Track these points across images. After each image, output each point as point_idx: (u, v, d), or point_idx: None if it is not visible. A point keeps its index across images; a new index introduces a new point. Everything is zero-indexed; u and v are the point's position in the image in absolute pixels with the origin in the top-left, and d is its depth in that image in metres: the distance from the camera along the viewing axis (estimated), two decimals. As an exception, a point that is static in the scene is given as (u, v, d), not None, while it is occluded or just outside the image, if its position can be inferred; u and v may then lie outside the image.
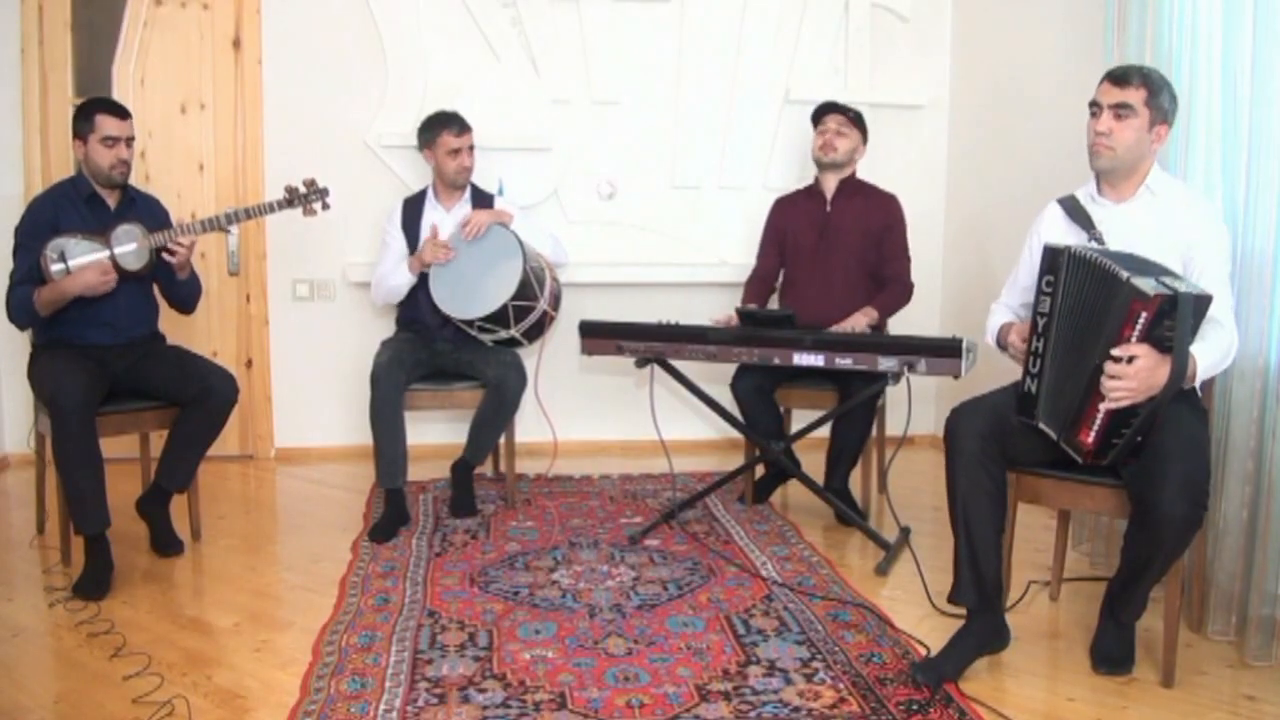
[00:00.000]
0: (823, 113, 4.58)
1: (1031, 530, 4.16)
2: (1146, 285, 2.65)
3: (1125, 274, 2.69)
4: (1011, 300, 3.39)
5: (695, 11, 5.41)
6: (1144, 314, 2.67)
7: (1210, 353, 2.84)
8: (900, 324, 4.70)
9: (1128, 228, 3.06)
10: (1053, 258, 2.89)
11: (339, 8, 5.21)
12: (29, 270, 3.78)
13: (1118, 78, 3.04)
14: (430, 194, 4.73)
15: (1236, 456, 3.18)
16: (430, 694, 2.87)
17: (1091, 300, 2.80)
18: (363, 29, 5.22)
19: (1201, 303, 2.73)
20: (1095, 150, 3.08)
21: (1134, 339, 2.70)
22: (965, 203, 5.54)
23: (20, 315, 3.82)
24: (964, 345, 3.68)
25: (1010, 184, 4.98)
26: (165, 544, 4.03)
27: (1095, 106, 3.08)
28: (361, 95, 5.26)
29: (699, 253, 5.53)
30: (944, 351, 3.74)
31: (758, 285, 4.75)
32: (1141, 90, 3.00)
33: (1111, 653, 3.11)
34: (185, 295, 4.17)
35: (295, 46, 5.21)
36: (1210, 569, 3.28)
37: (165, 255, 3.93)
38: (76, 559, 3.79)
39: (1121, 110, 3.02)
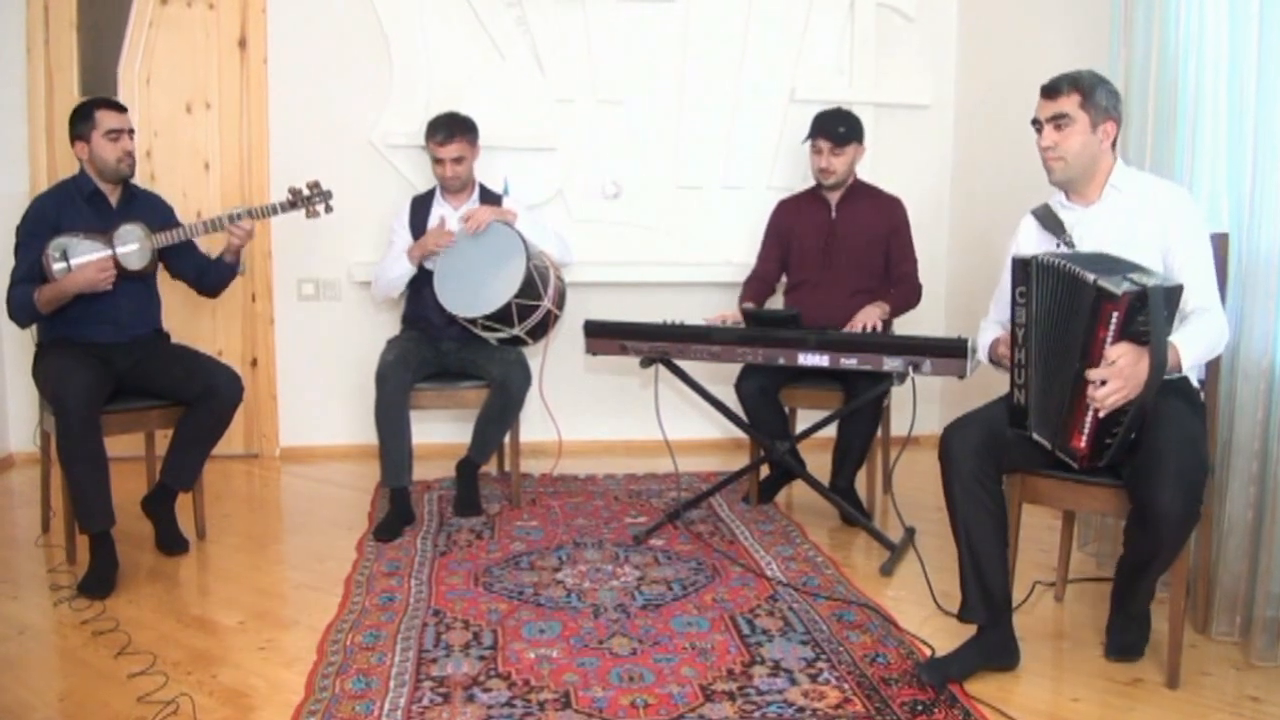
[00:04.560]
0: (813, 132, 4.50)
1: (1036, 530, 4.16)
2: (1114, 285, 2.66)
3: (1092, 276, 2.70)
4: (999, 316, 3.38)
5: (700, 11, 5.41)
6: (1116, 314, 2.68)
7: (1196, 339, 2.85)
8: (905, 324, 4.69)
9: (1100, 229, 3.07)
10: (1021, 268, 2.90)
11: (344, 7, 5.22)
12: (30, 269, 3.79)
13: (1048, 90, 3.08)
14: (438, 192, 4.73)
15: (1241, 457, 3.18)
16: (435, 693, 2.88)
17: (1064, 306, 2.81)
18: (368, 28, 5.23)
19: (1173, 294, 2.75)
20: (1047, 165, 3.12)
21: (1110, 339, 2.71)
22: (970, 203, 5.54)
23: (21, 313, 3.83)
24: (969, 345, 3.69)
25: (1015, 184, 4.96)
26: (170, 543, 4.04)
27: (1036, 124, 3.12)
28: (366, 95, 5.26)
29: (704, 252, 5.53)
30: (949, 352, 3.74)
31: (756, 286, 4.73)
32: (1074, 96, 3.03)
33: (1122, 639, 3.13)
34: (227, 278, 4.24)
35: (300, 46, 5.22)
36: (1215, 570, 3.27)
37: (231, 239, 4.04)
38: (81, 557, 3.79)
39: (1060, 121, 3.04)
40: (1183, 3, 3.39)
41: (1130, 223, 3.02)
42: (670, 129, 5.50)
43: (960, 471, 3.00)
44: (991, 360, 3.31)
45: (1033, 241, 3.23)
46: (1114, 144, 3.10)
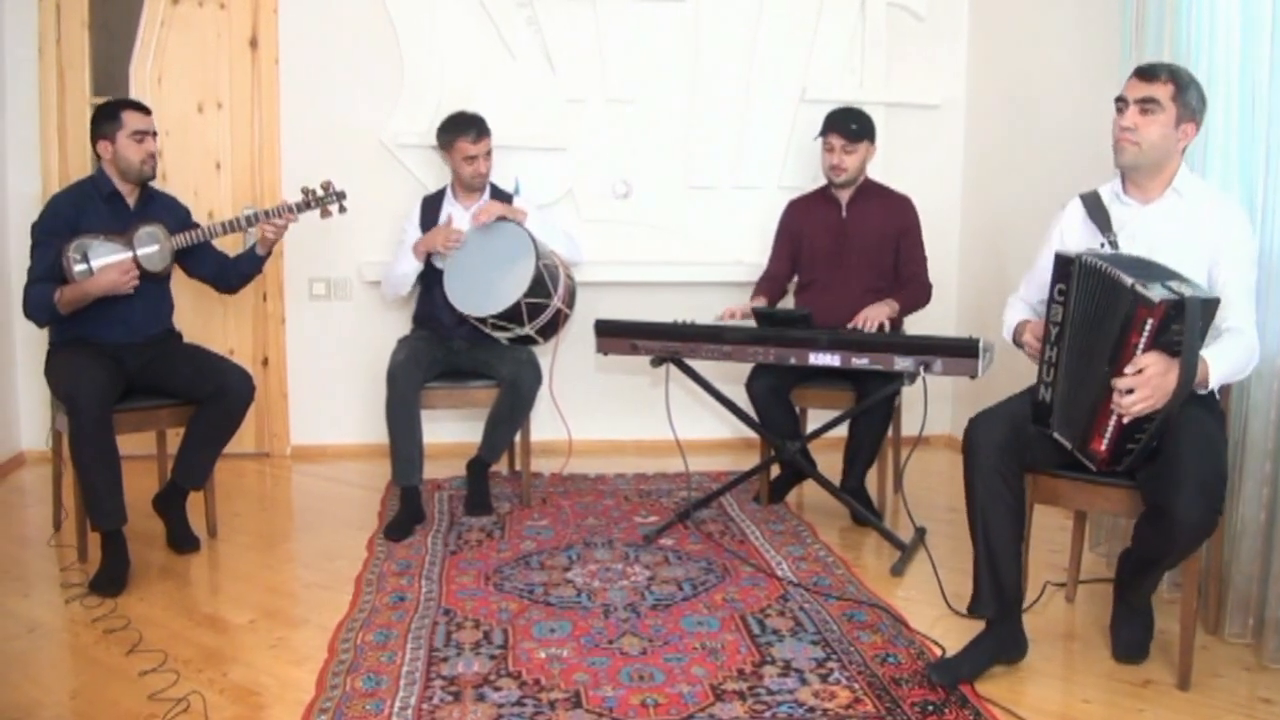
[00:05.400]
0: (826, 129, 4.50)
1: (1048, 531, 4.15)
2: (1152, 291, 2.63)
3: (1129, 280, 2.67)
4: (1029, 296, 3.36)
5: (711, 11, 5.41)
6: (1150, 320, 2.65)
7: (1226, 357, 2.81)
8: (917, 324, 4.69)
9: (1152, 230, 3.02)
10: (1064, 266, 2.87)
11: (355, 7, 5.22)
12: (48, 268, 3.79)
13: (1145, 72, 3.01)
14: (449, 192, 4.75)
15: (1254, 458, 3.17)
16: (445, 692, 2.88)
17: (1099, 309, 2.79)
18: (379, 28, 5.24)
19: (1209, 306, 2.72)
20: (1119, 145, 3.03)
21: (1142, 346, 2.68)
22: (981, 202, 5.52)
23: (39, 312, 3.83)
24: (980, 345, 3.68)
25: (1027, 183, 4.96)
26: (181, 541, 4.05)
27: (1121, 101, 3.03)
28: (377, 94, 5.27)
29: (714, 252, 5.52)
30: (960, 351, 3.73)
31: (768, 286, 4.72)
32: (1169, 85, 2.95)
33: (1128, 635, 3.13)
34: (253, 272, 4.27)
35: (312, 46, 5.23)
36: (1227, 571, 3.26)
37: (266, 232, 4.06)
38: (93, 555, 3.80)
39: (1147, 105, 2.97)
40: (1195, 1, 3.37)
41: (1185, 230, 2.98)
42: (681, 129, 5.49)
43: (983, 465, 2.98)
44: (1014, 340, 3.29)
45: (1076, 229, 3.19)
46: (1184, 149, 3.05)
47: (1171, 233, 2.99)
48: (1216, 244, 2.93)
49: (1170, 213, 3.03)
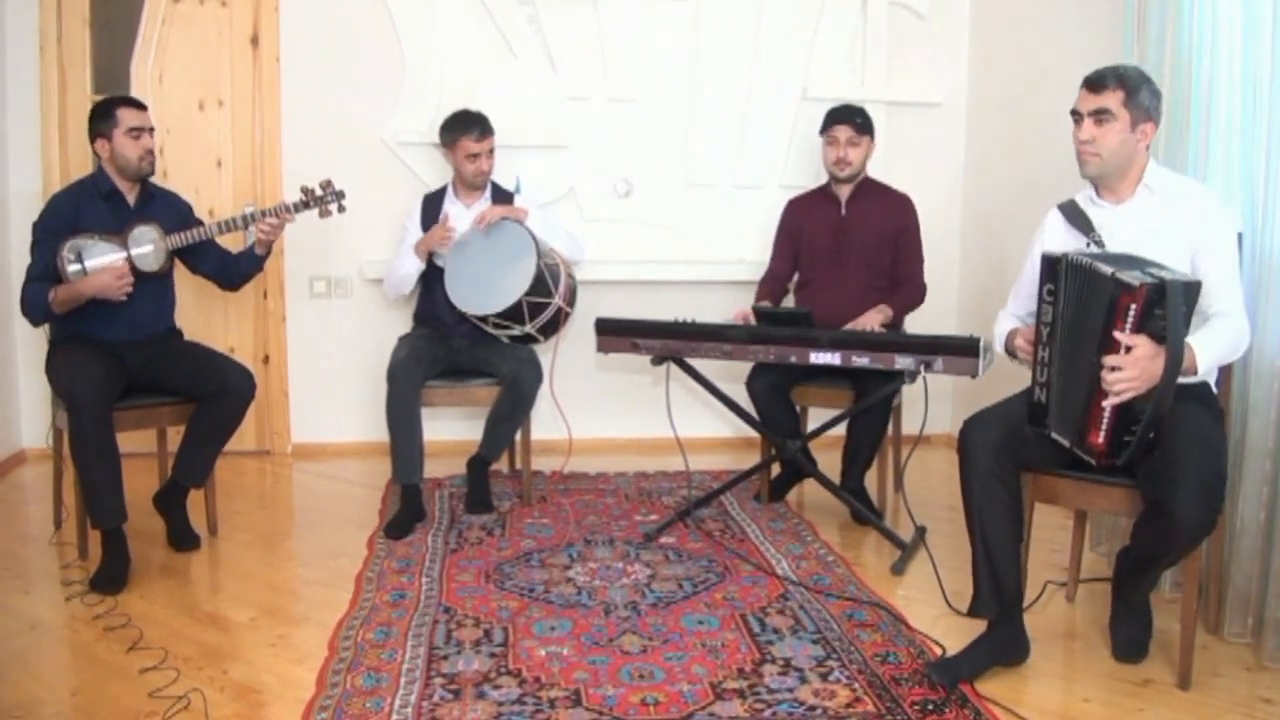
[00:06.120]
0: (831, 122, 4.53)
1: (1048, 530, 4.15)
2: (1132, 277, 2.65)
3: (1109, 270, 2.69)
4: (1017, 309, 3.36)
5: (712, 9, 5.40)
6: (1133, 306, 2.66)
7: (1214, 342, 2.82)
8: (916, 323, 4.69)
9: (1129, 228, 3.04)
10: (1051, 266, 2.88)
11: (356, 5, 5.22)
12: (47, 267, 3.80)
13: (1093, 83, 3.04)
14: (450, 191, 4.75)
15: (1254, 457, 3.17)
16: (445, 690, 2.88)
17: (1085, 303, 2.80)
18: (380, 27, 5.23)
19: (1191, 289, 2.73)
20: (1082, 158, 3.08)
21: (1127, 333, 2.69)
22: (982, 201, 5.52)
23: (35, 311, 3.83)
24: (981, 344, 3.68)
25: (1028, 182, 4.96)
26: (182, 539, 4.05)
27: (1076, 115, 3.08)
28: (378, 93, 5.27)
29: (715, 251, 5.52)
30: (961, 350, 3.73)
31: (771, 285, 4.73)
32: (1118, 92, 2.98)
33: (1127, 634, 3.14)
34: (253, 271, 4.25)
35: (313, 44, 5.22)
36: (1227, 570, 3.26)
37: (261, 232, 4.04)
38: (93, 553, 3.81)
39: (1101, 116, 3.00)
40: (1197, 1, 3.38)
41: (1160, 224, 2.99)
42: (682, 127, 5.49)
43: (978, 467, 2.99)
44: (1007, 351, 3.29)
45: (1060, 238, 3.20)
46: (1147, 146, 3.06)
47: (1149, 229, 3.01)
48: (1195, 234, 2.95)
49: (1144, 209, 3.05)
